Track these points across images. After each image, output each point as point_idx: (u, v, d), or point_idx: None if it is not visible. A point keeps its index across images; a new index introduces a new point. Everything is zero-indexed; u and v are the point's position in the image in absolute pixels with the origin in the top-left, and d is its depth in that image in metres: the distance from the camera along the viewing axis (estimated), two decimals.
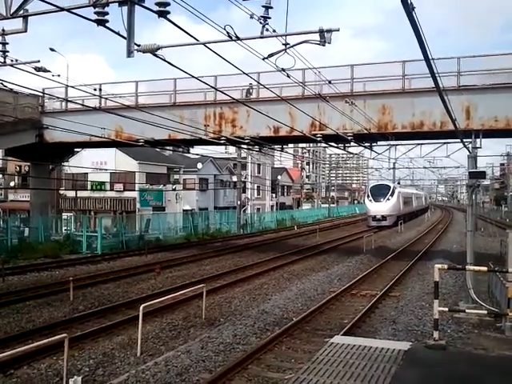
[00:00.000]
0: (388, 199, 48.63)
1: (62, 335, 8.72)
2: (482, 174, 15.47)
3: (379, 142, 24.55)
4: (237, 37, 8.26)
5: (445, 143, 25.17)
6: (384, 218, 47.82)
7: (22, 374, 9.05)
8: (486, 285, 15.59)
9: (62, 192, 43.06)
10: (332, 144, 25.20)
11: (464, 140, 17.33)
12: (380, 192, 49.61)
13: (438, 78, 10.17)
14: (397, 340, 10.44)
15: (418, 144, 26.31)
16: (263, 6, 8.47)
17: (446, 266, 9.15)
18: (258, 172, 65.79)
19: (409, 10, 5.51)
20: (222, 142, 23.89)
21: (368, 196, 51.46)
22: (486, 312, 11.36)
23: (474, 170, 15.11)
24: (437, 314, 7.99)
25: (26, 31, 9.87)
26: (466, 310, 11.00)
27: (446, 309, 9.91)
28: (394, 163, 45.11)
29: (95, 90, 19.91)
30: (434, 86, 10.27)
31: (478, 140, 17.33)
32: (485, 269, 9.80)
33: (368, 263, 23.35)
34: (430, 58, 7.67)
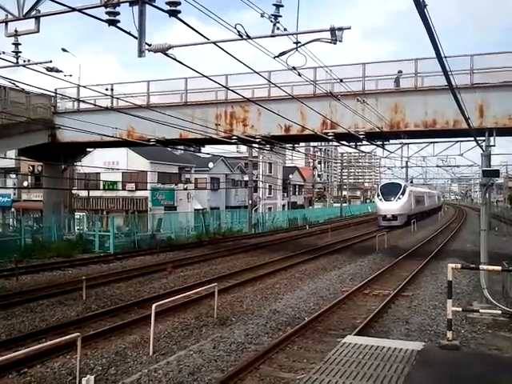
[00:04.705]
0: (399, 198, 47.55)
1: (75, 334, 8.77)
2: (496, 173, 15.34)
3: (391, 141, 24.43)
4: (247, 35, 8.24)
5: (458, 142, 24.97)
6: (395, 217, 46.83)
7: (36, 373, 9.10)
8: (501, 285, 15.39)
9: (74, 192, 43.35)
10: (344, 143, 25.12)
11: (477, 138, 17.19)
12: (391, 191, 48.52)
13: (451, 76, 10.08)
14: (410, 340, 10.35)
15: (431, 142, 26.13)
16: (274, 5, 8.45)
17: (459, 266, 9.06)
18: (270, 171, 65.75)
19: (421, 7, 5.46)
20: (233, 141, 23.90)
21: (378, 195, 50.43)
22: (500, 312, 11.26)
23: (488, 168, 14.97)
24: (450, 313, 7.92)
25: (38, 32, 9.93)
26: (480, 310, 10.90)
27: (460, 309, 9.83)
28: (407, 162, 44.73)
29: (107, 89, 20.04)
30: (446, 84, 10.19)
31: (491, 138, 17.16)
32: (499, 268, 9.68)
33: (380, 263, 23.22)
34: (443, 55, 7.60)
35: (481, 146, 16.79)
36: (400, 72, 20.60)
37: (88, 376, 7.65)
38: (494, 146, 17.43)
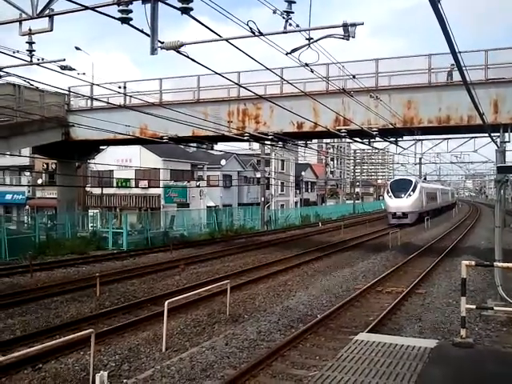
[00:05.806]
0: (409, 195, 45.53)
1: (89, 330, 8.82)
2: (511, 169, 15.15)
3: (405, 137, 24.27)
4: (260, 32, 8.23)
5: (472, 138, 24.76)
6: (405, 215, 44.94)
7: (50, 368, 9.19)
8: None
9: (88, 189, 43.69)
10: (357, 139, 25.01)
11: (492, 134, 17.02)
12: (401, 187, 46.38)
13: (465, 72, 9.97)
14: (423, 338, 10.30)
15: (445, 139, 25.97)
16: (286, 1, 8.43)
17: (473, 263, 8.97)
18: (282, 168, 65.71)
19: (435, 2, 5.41)
20: (246, 138, 23.88)
21: (388, 192, 48.18)
22: None
23: (503, 164, 14.81)
24: (464, 311, 7.86)
25: (51, 30, 10.00)
26: (495, 308, 10.79)
27: (474, 306, 9.73)
28: (420, 158, 44.32)
29: (120, 87, 20.10)
30: (460, 79, 10.09)
31: (506, 134, 16.99)
32: None
33: (394, 260, 23.11)
34: (457, 51, 7.52)
35: (495, 142, 16.61)
36: (453, 65, 19.99)
37: (101, 372, 7.70)
38: (509, 141, 17.27)
